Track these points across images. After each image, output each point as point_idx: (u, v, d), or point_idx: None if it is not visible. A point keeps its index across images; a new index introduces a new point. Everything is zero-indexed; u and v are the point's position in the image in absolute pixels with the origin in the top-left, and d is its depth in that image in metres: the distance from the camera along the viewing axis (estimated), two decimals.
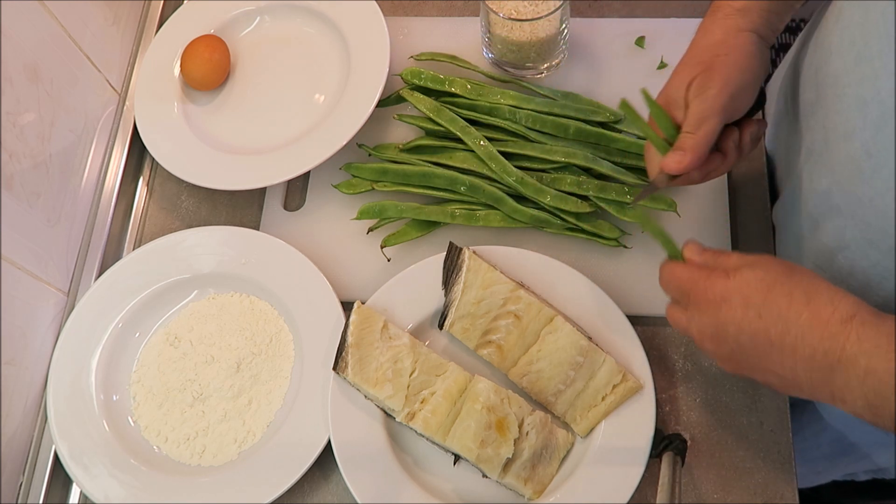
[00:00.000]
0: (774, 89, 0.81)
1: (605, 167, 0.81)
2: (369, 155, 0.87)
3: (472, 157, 0.83)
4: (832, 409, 0.82)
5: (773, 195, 0.83)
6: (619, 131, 0.84)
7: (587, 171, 0.82)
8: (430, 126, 0.86)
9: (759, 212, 0.83)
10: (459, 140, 0.84)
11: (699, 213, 0.82)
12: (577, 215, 0.80)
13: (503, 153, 0.82)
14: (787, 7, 0.66)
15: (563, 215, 0.80)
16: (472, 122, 0.85)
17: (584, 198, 0.81)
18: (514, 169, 0.81)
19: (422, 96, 0.86)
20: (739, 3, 0.65)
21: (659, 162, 0.63)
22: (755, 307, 0.55)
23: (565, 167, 0.82)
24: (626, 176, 0.81)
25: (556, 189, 0.80)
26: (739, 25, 0.64)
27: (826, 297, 0.53)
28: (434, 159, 0.84)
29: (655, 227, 0.64)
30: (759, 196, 0.84)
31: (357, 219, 0.83)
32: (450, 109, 0.85)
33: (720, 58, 0.63)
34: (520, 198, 0.81)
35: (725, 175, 0.83)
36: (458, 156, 0.83)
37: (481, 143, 0.82)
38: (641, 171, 0.82)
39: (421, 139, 0.85)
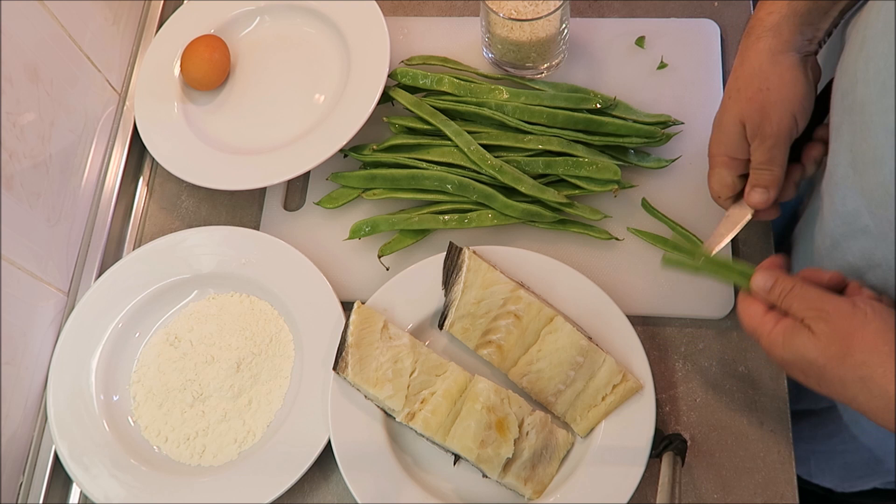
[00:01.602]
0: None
1: (580, 150, 0.82)
2: (345, 157, 0.87)
3: (450, 151, 0.83)
4: (861, 424, 0.83)
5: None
6: (612, 116, 0.84)
7: (568, 156, 0.82)
8: (418, 125, 0.86)
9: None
10: (440, 135, 0.84)
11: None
12: (557, 204, 0.81)
13: (483, 145, 0.82)
14: (820, 15, 0.66)
15: (544, 201, 0.81)
16: (459, 118, 0.85)
17: (559, 180, 0.82)
18: (494, 158, 0.81)
19: (404, 92, 0.86)
20: (770, 19, 0.66)
21: (721, 191, 0.72)
22: (815, 381, 0.58)
23: (542, 154, 0.83)
24: (600, 157, 0.82)
25: (530, 175, 0.81)
26: (773, 48, 0.66)
27: (880, 387, 0.54)
28: (412, 156, 0.84)
29: (718, 265, 0.68)
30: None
31: (350, 238, 0.83)
32: (430, 105, 0.85)
33: (763, 93, 0.65)
34: (509, 194, 0.82)
35: None
36: (434, 151, 0.84)
37: (461, 135, 0.82)
38: (629, 152, 0.84)
39: (395, 138, 0.85)
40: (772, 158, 0.67)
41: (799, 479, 0.90)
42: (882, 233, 0.58)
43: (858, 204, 0.60)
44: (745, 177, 0.71)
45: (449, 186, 0.82)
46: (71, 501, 0.81)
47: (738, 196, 0.73)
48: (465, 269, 0.77)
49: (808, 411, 0.91)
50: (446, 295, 0.78)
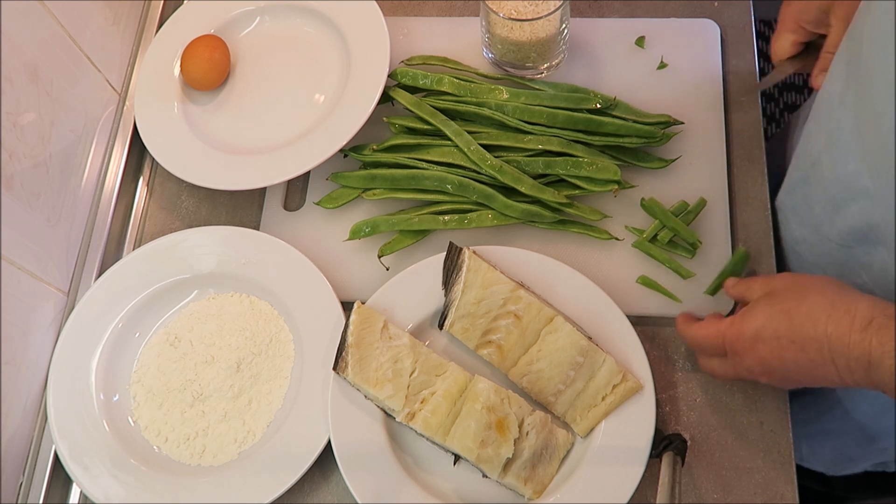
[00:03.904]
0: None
1: (580, 150, 0.82)
2: (345, 157, 0.87)
3: (450, 151, 0.83)
4: (855, 400, 0.85)
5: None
6: (612, 116, 0.84)
7: (568, 156, 0.82)
8: (418, 125, 0.86)
9: (759, 210, 0.84)
10: (440, 135, 0.84)
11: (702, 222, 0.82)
12: (557, 204, 0.81)
13: (483, 145, 0.82)
14: None
15: (544, 201, 0.81)
16: (459, 118, 0.86)
17: (559, 180, 0.83)
18: (494, 158, 0.81)
19: (404, 92, 0.86)
20: None
21: (780, 53, 0.79)
22: (786, 336, 0.61)
23: (542, 154, 0.83)
24: (600, 157, 0.82)
25: (530, 175, 0.81)
26: None
27: (842, 308, 0.58)
28: (412, 156, 0.84)
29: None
30: (758, 197, 0.84)
31: (350, 239, 0.83)
32: (430, 105, 0.85)
33: None
34: (509, 194, 0.82)
35: (725, 174, 0.84)
36: (434, 151, 0.84)
37: (461, 135, 0.82)
38: (629, 152, 0.84)
39: (395, 138, 0.85)
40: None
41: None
42: (881, 194, 0.60)
43: (858, 166, 0.62)
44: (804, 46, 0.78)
45: (449, 186, 0.82)
46: (71, 501, 0.81)
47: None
48: (465, 269, 0.77)
49: (802, 391, 0.92)
50: (446, 295, 0.78)
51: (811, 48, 0.79)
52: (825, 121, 0.68)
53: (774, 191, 0.83)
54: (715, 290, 0.78)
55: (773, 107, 1.76)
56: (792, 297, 0.62)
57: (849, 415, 0.88)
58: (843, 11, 0.71)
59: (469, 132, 0.83)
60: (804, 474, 1.05)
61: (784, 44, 0.79)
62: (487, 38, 0.89)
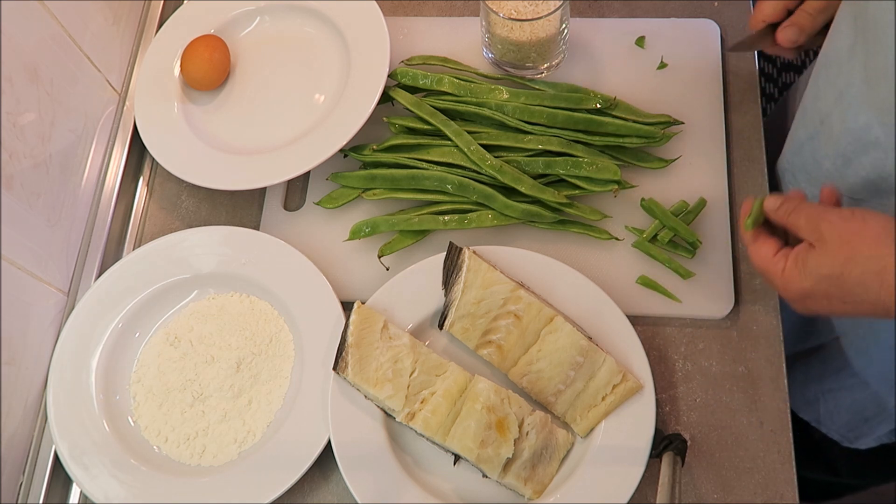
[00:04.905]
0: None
1: (579, 151, 0.82)
2: (345, 157, 0.87)
3: (450, 151, 0.83)
4: (864, 361, 0.85)
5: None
6: (612, 116, 0.84)
7: (568, 156, 0.82)
8: (418, 125, 0.86)
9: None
10: (440, 135, 0.84)
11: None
12: (557, 204, 0.81)
13: (483, 145, 0.82)
14: None
15: (544, 201, 0.81)
16: (459, 118, 0.86)
17: (559, 180, 0.82)
18: (494, 158, 0.81)
19: (404, 92, 0.86)
20: None
21: (765, 12, 0.77)
22: (837, 297, 0.60)
23: (542, 154, 0.83)
24: (600, 157, 0.82)
25: (530, 175, 0.81)
26: None
27: (893, 273, 0.56)
28: (412, 156, 0.84)
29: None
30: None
31: (350, 239, 0.83)
32: (430, 105, 0.85)
33: None
34: (509, 194, 0.82)
35: (725, 174, 0.84)
36: (434, 151, 0.84)
37: (461, 135, 0.82)
38: (629, 152, 0.84)
39: (395, 138, 0.85)
40: (824, 8, 0.73)
41: (805, 428, 0.90)
42: (892, 143, 0.61)
43: (869, 117, 0.63)
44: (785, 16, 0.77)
45: (449, 186, 0.82)
46: (71, 501, 0.81)
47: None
48: (465, 269, 0.77)
49: (818, 347, 0.93)
50: (446, 295, 0.78)
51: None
52: (834, 76, 0.69)
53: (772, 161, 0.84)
54: (754, 222, 0.69)
55: (772, 87, 1.76)
56: (843, 255, 0.59)
57: (859, 376, 0.89)
58: None
59: (469, 132, 0.84)
60: (813, 463, 1.05)
61: (775, 4, 0.77)
62: (487, 38, 0.89)
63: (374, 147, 0.86)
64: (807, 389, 0.79)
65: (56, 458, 0.78)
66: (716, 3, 0.95)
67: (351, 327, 0.75)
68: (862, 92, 0.64)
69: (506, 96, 0.85)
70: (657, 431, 0.72)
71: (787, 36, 0.76)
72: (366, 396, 0.75)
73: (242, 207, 0.90)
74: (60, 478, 0.79)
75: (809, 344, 0.94)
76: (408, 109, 0.86)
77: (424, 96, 0.88)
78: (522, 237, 0.83)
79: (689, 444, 0.74)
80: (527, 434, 0.72)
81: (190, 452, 0.78)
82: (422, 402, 0.74)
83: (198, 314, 0.83)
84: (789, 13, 0.77)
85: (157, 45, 0.95)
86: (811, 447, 1.04)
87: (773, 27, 0.78)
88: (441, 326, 0.77)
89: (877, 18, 0.59)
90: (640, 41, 0.92)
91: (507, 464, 0.71)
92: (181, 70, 0.92)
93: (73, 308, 0.83)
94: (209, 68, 0.90)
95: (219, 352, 0.80)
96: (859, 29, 0.63)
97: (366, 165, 0.86)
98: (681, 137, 0.86)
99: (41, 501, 0.77)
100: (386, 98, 0.87)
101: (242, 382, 0.79)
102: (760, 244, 0.66)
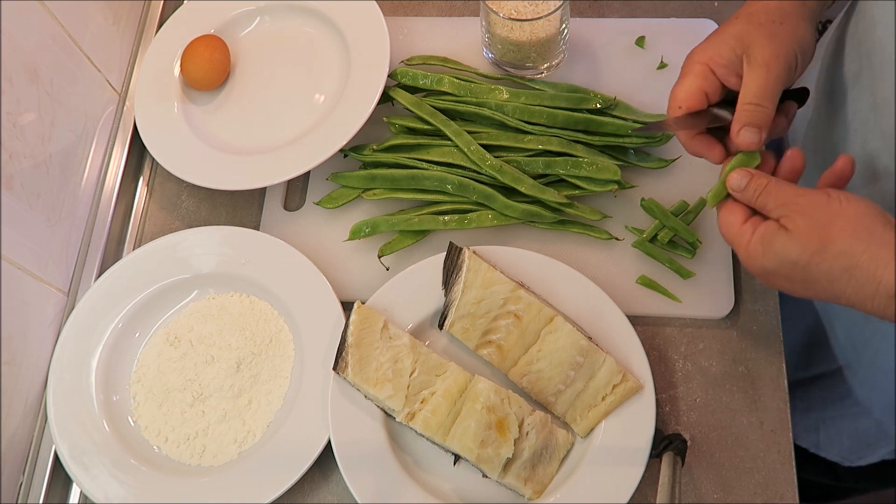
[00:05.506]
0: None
1: (579, 151, 0.82)
2: (345, 157, 0.87)
3: (450, 151, 0.83)
4: (867, 391, 0.83)
5: None
6: (612, 116, 0.84)
7: (568, 156, 0.82)
8: (418, 125, 0.86)
9: None
10: (440, 135, 0.84)
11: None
12: (557, 204, 0.81)
13: (483, 145, 0.83)
14: None
15: (544, 201, 0.81)
16: (459, 118, 0.86)
17: (559, 180, 0.82)
18: (494, 158, 0.81)
19: (404, 92, 0.86)
20: None
21: (682, 98, 0.64)
22: (800, 281, 0.57)
23: (542, 154, 0.83)
24: (600, 157, 0.82)
25: (530, 175, 0.81)
26: (795, 2, 0.64)
27: (866, 272, 0.54)
28: (412, 156, 0.84)
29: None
30: None
31: (350, 239, 0.83)
32: (430, 105, 0.85)
33: (776, 25, 0.62)
34: (509, 194, 0.82)
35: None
36: (434, 151, 0.84)
37: (461, 135, 0.82)
38: (629, 152, 0.84)
39: (395, 138, 0.85)
40: (767, 93, 0.61)
41: (804, 453, 0.88)
42: None
43: (878, 145, 0.60)
44: (709, 109, 0.66)
45: (449, 187, 0.82)
46: (71, 501, 0.81)
47: (701, 136, 0.67)
48: (465, 269, 0.77)
49: (820, 375, 0.91)
50: (446, 295, 0.78)
51: (706, 115, 0.66)
52: (840, 104, 0.67)
53: None
54: (715, 197, 0.65)
55: None
56: (812, 245, 0.55)
57: (861, 405, 0.87)
58: (763, 56, 0.62)
59: (469, 132, 0.84)
60: (814, 466, 1.04)
61: (688, 90, 0.64)
62: (487, 38, 0.89)
63: (374, 147, 0.86)
64: (807, 417, 0.76)
65: (56, 458, 0.78)
66: (716, 3, 0.95)
67: (351, 327, 0.75)
68: (869, 118, 0.61)
69: (506, 96, 0.85)
70: (657, 431, 0.72)
71: (745, 139, 0.62)
72: (366, 396, 0.75)
73: (242, 207, 0.90)
74: (60, 478, 0.79)
75: (811, 372, 0.91)
76: (408, 109, 0.86)
77: (424, 96, 0.88)
78: (522, 237, 0.83)
79: (689, 444, 0.74)
80: (527, 434, 0.72)
81: (190, 452, 0.78)
82: (422, 402, 0.74)
83: (198, 314, 0.83)
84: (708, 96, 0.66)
85: (157, 45, 0.95)
86: (810, 455, 1.03)
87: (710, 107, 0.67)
88: (441, 326, 0.77)
89: (883, 41, 0.57)
90: (640, 41, 0.92)
91: (507, 464, 0.71)
92: (181, 70, 0.92)
93: (73, 308, 0.83)
94: (209, 68, 0.90)
95: (219, 352, 0.80)
96: (864, 54, 0.61)
97: (366, 165, 0.86)
98: None
99: (41, 501, 0.77)
100: (386, 98, 0.87)
101: (242, 382, 0.79)
102: (728, 211, 0.62)
